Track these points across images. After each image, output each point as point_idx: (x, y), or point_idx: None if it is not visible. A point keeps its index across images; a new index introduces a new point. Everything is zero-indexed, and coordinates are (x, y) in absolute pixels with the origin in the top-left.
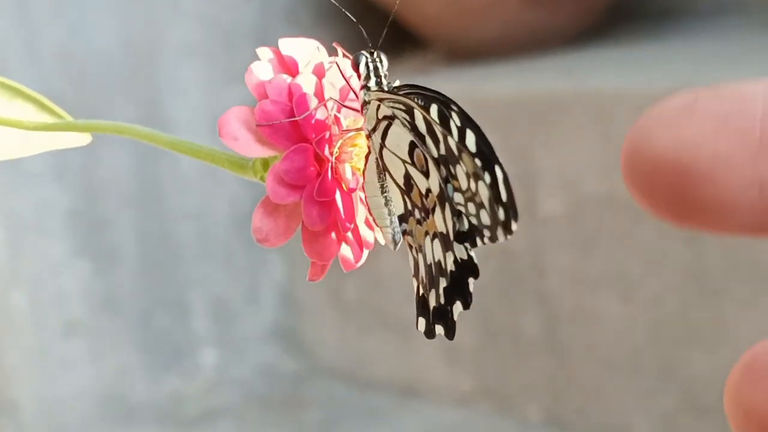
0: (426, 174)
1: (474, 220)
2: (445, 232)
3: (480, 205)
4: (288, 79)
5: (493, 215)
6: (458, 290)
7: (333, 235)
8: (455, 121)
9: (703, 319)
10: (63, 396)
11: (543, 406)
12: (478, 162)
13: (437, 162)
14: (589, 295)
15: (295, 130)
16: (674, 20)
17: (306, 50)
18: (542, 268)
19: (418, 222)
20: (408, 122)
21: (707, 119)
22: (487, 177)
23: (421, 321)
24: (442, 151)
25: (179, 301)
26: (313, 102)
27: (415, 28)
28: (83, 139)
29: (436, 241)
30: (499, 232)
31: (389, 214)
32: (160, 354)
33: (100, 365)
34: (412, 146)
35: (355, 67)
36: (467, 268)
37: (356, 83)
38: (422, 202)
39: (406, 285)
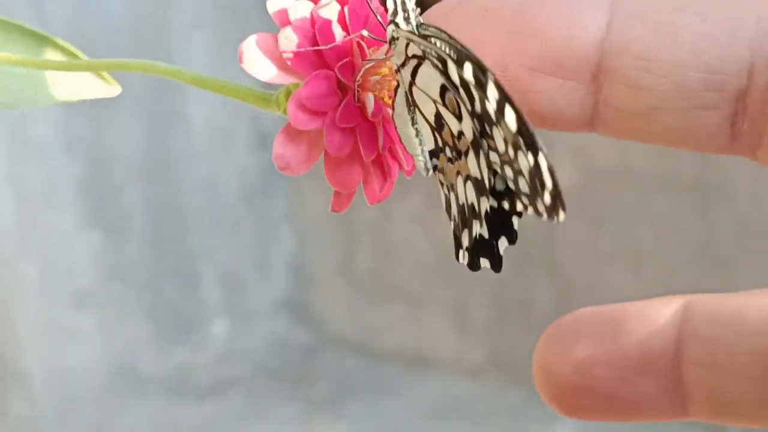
0: (459, 117)
1: (511, 184)
2: (479, 177)
3: (518, 172)
4: (310, 6)
5: (533, 188)
6: (503, 225)
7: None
8: (492, 91)
9: (715, 291)
10: (73, 366)
11: None
12: (520, 140)
13: (472, 115)
14: (600, 267)
15: (318, 57)
16: None
17: None
18: (554, 241)
19: (450, 160)
20: (440, 68)
21: None
22: (530, 157)
23: (462, 253)
24: (478, 109)
25: (189, 272)
26: (337, 29)
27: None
28: (113, 89)
29: (469, 183)
30: (540, 208)
31: (420, 144)
32: (170, 325)
33: (110, 336)
34: (443, 89)
35: (383, 1)
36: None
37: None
38: (454, 142)
39: (417, 256)
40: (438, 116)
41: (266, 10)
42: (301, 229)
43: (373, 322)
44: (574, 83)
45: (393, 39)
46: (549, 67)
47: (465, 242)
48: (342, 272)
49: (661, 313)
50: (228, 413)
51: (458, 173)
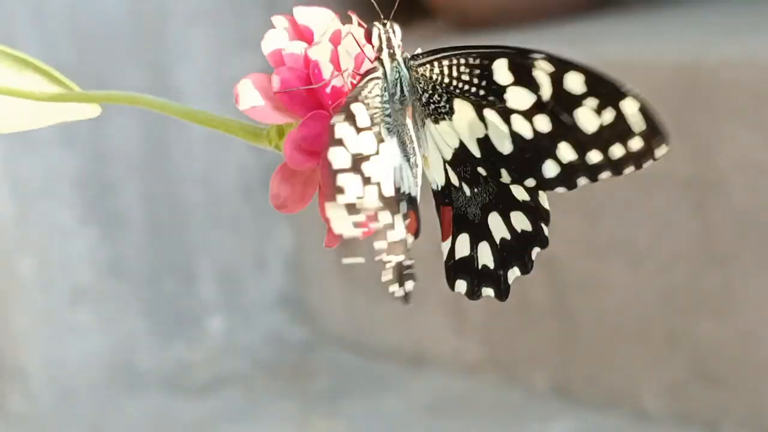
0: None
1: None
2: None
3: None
4: (304, 46)
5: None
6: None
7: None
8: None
9: (710, 288)
10: (70, 362)
11: (550, 375)
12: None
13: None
14: (597, 263)
15: (312, 97)
16: None
17: (321, 19)
18: (551, 237)
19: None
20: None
21: None
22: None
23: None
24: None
25: (186, 268)
26: (329, 69)
27: None
28: (93, 110)
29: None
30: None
31: (416, 184)
32: (167, 321)
33: (108, 331)
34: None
35: (369, 38)
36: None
37: (371, 52)
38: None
39: (414, 253)
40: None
41: (264, 6)
42: (299, 225)
43: (371, 320)
44: None
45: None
46: None
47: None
48: (339, 269)
49: None
50: (225, 409)
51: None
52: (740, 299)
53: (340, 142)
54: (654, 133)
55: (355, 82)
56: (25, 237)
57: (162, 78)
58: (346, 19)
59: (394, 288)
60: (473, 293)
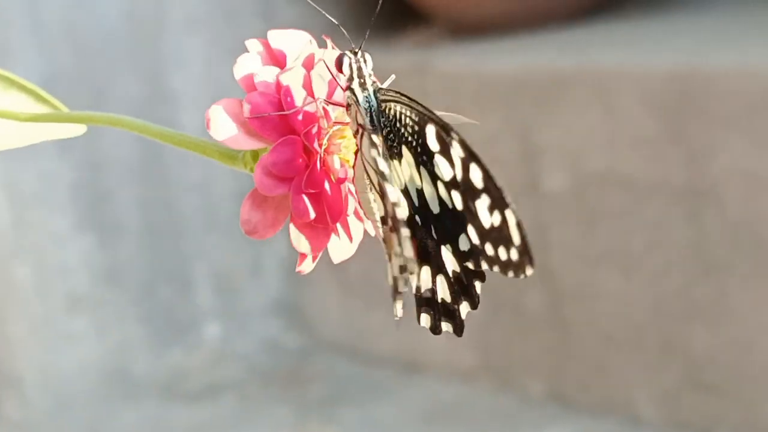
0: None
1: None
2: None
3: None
4: (276, 71)
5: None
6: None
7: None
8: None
9: (705, 296)
10: (66, 369)
11: (545, 382)
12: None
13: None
14: (591, 271)
15: (283, 122)
16: None
17: (296, 42)
18: (545, 244)
19: (391, 230)
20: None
21: None
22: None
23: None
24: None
25: (182, 275)
26: (301, 94)
27: (420, 3)
28: (78, 129)
29: (395, 259)
30: (508, 265)
31: (378, 210)
32: (163, 328)
33: (104, 338)
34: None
35: (339, 67)
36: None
37: (343, 79)
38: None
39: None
40: (380, 185)
41: (259, 12)
42: None
43: (366, 326)
44: None
45: (349, 105)
46: None
47: (395, 310)
48: (335, 275)
49: None
50: (221, 416)
51: (392, 245)
52: (734, 307)
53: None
54: (524, 252)
55: (327, 107)
56: (21, 244)
57: (158, 85)
58: (322, 44)
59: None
60: (435, 328)
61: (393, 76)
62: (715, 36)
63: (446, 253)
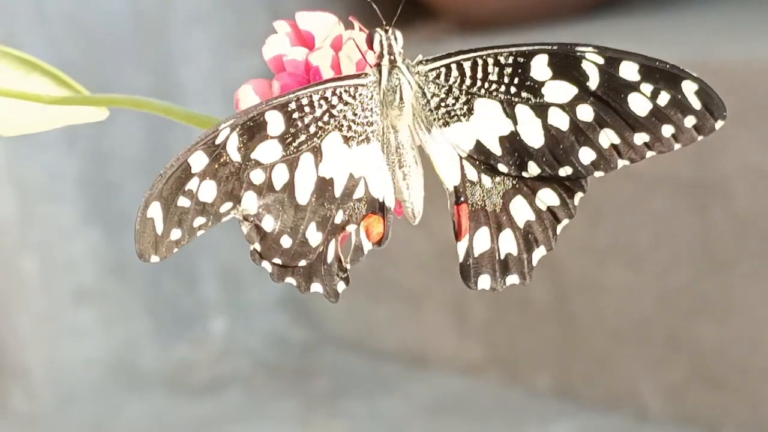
0: None
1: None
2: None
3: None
4: (305, 52)
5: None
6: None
7: None
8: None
9: (711, 290)
10: (72, 362)
11: (551, 376)
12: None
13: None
14: (598, 265)
15: None
16: None
17: (323, 24)
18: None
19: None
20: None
21: None
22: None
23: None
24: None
25: (189, 269)
26: (330, 75)
27: None
28: (100, 113)
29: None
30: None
31: (408, 189)
32: (170, 321)
33: (110, 332)
34: None
35: (370, 44)
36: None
37: (372, 58)
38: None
39: (416, 254)
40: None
41: (266, 8)
42: None
43: (372, 320)
44: None
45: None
46: None
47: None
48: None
49: None
50: (226, 410)
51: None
52: (741, 302)
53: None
54: (713, 109)
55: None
56: (28, 237)
57: (164, 79)
58: (348, 24)
59: (317, 287)
60: (497, 285)
61: (420, 56)
62: (723, 30)
63: (520, 203)
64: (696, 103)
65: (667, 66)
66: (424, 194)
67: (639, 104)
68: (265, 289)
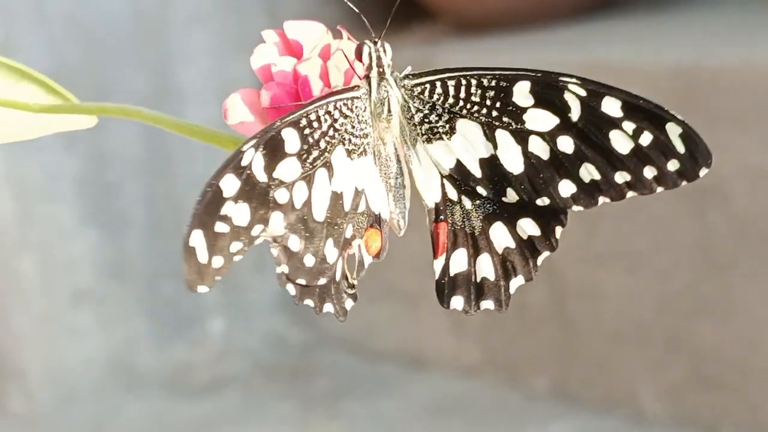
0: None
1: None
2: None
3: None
4: (293, 62)
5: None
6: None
7: None
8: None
9: (710, 293)
10: (71, 363)
11: (549, 378)
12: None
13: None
14: (596, 267)
15: None
16: None
17: (312, 34)
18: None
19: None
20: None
21: None
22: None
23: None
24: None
25: None
26: (319, 85)
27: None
28: (90, 121)
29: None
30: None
31: (394, 200)
32: (168, 322)
33: (108, 333)
34: None
35: (359, 56)
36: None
37: (360, 68)
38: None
39: (414, 256)
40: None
41: (264, 6)
42: None
43: (370, 322)
44: None
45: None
46: None
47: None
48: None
49: None
50: (225, 411)
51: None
52: (740, 304)
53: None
54: (698, 155)
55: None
56: (26, 238)
57: (163, 80)
58: (336, 34)
59: (328, 307)
60: (470, 308)
61: (409, 68)
62: (721, 32)
63: (500, 229)
64: (680, 147)
65: (652, 106)
66: (409, 206)
67: (620, 142)
68: (263, 290)
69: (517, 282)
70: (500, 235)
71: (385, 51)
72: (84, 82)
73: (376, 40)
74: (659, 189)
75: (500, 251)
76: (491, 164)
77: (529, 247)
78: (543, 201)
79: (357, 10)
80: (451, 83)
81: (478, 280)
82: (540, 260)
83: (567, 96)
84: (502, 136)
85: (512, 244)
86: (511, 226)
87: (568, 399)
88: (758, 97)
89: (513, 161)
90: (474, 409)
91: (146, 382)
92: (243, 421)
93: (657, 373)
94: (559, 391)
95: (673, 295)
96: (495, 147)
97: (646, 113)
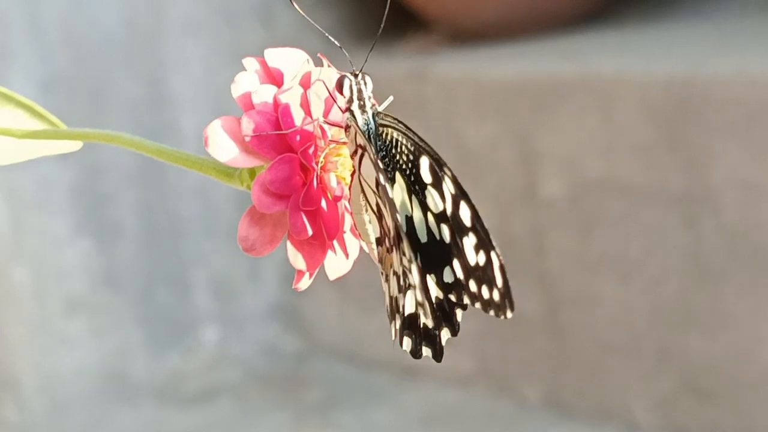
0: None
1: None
2: (399, 274)
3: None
4: (274, 90)
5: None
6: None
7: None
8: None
9: (702, 303)
10: (64, 372)
11: (542, 388)
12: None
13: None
14: (589, 277)
15: (281, 140)
16: (676, 3)
17: (293, 61)
18: (543, 250)
19: (387, 250)
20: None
21: None
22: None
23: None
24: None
25: (181, 279)
26: (299, 113)
27: (419, 9)
28: (74, 145)
29: (393, 279)
30: (489, 304)
31: (372, 231)
32: (161, 331)
33: (102, 342)
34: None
35: (340, 89)
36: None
37: (341, 97)
38: (389, 233)
39: None
40: (378, 206)
41: (258, 16)
42: None
43: (363, 330)
44: None
45: (348, 126)
46: None
47: (392, 332)
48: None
49: None
50: (218, 420)
51: (391, 264)
52: (731, 314)
53: None
54: (505, 294)
55: (324, 125)
56: (19, 247)
57: (156, 88)
58: (317, 62)
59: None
60: (416, 352)
61: (391, 98)
62: (713, 43)
63: (430, 280)
64: (499, 280)
65: (484, 228)
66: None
67: (469, 252)
68: (257, 299)
69: (445, 334)
70: (431, 286)
71: (365, 84)
72: (77, 91)
73: (357, 72)
74: (491, 312)
75: (434, 300)
76: (409, 224)
77: (451, 304)
78: (432, 278)
79: (338, 44)
80: (393, 134)
81: (421, 324)
82: (459, 317)
83: (444, 187)
84: (414, 201)
85: (440, 295)
86: (436, 283)
87: (561, 408)
88: (750, 108)
89: (420, 229)
90: (467, 419)
91: (140, 391)
92: (236, 430)
93: (649, 383)
94: (551, 400)
95: (665, 305)
96: (411, 209)
97: (483, 233)
